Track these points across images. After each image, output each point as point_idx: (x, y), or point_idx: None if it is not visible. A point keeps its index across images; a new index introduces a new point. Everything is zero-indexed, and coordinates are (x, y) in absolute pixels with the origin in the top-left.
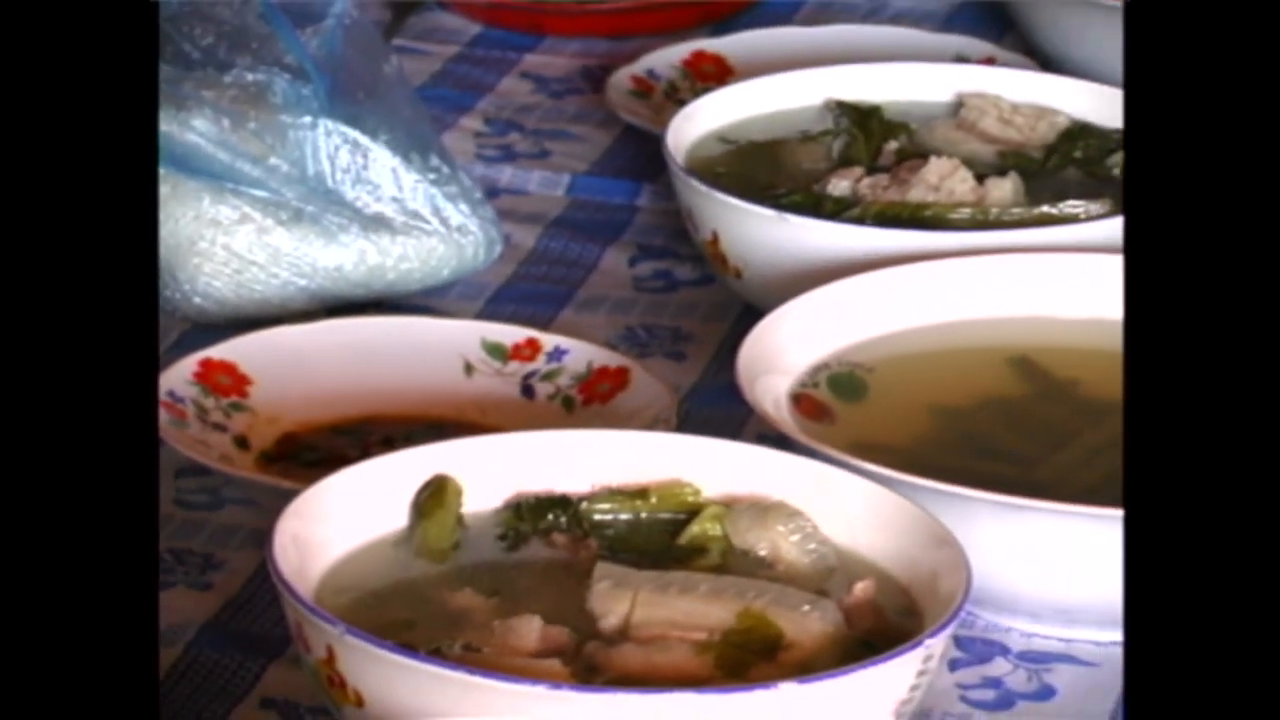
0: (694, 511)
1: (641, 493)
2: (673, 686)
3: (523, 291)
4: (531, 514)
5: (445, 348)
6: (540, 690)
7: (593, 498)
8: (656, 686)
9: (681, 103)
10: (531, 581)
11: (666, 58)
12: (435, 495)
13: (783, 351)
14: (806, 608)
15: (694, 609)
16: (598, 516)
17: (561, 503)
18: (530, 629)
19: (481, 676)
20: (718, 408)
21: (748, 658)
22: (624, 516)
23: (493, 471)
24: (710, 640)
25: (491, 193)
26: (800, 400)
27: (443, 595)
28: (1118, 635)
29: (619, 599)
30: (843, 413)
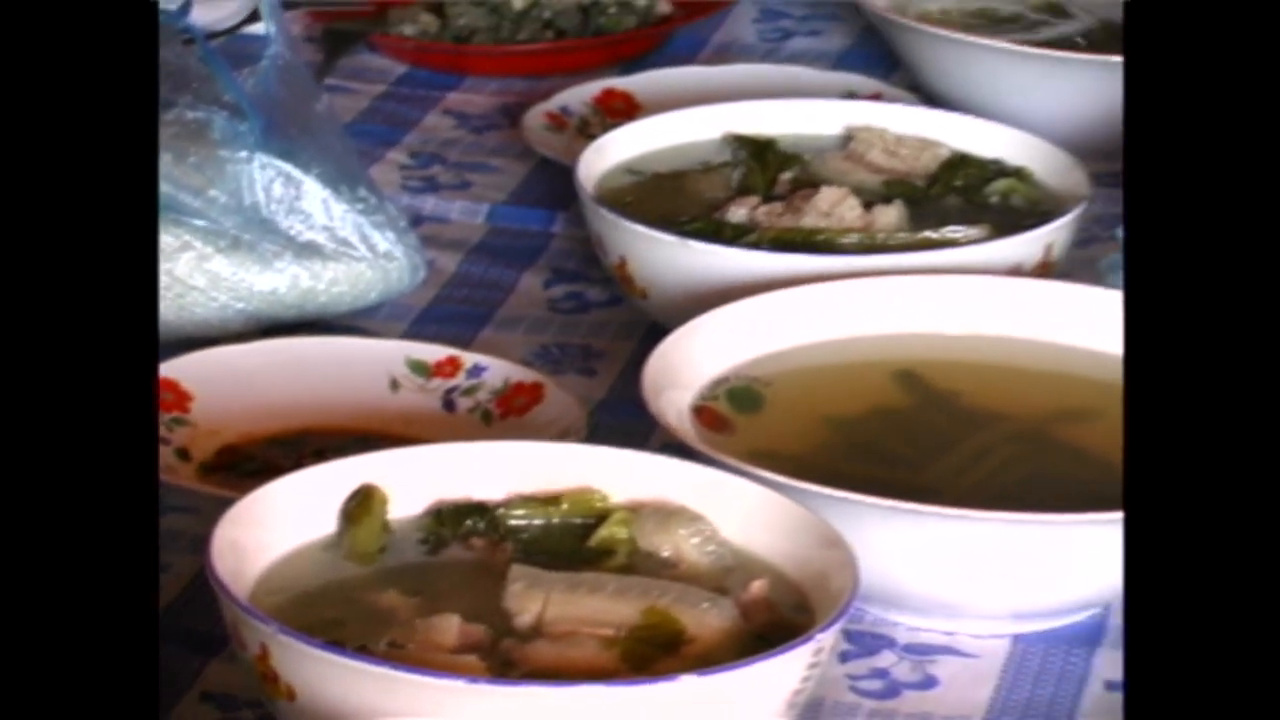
0: (602, 516)
1: (554, 499)
2: (582, 680)
3: (445, 313)
4: (451, 520)
5: (373, 365)
6: (459, 684)
7: (508, 504)
8: (567, 680)
9: (592, 137)
10: (451, 582)
11: (578, 95)
12: (363, 503)
13: (685, 367)
14: (706, 605)
15: (602, 607)
16: (513, 522)
17: (479, 509)
18: (450, 626)
19: (404, 671)
20: (625, 420)
21: (652, 652)
22: (537, 521)
23: (416, 480)
24: (617, 636)
25: (416, 221)
26: (701, 412)
27: (369, 596)
28: (996, 628)
29: (533, 598)
30: (741, 424)
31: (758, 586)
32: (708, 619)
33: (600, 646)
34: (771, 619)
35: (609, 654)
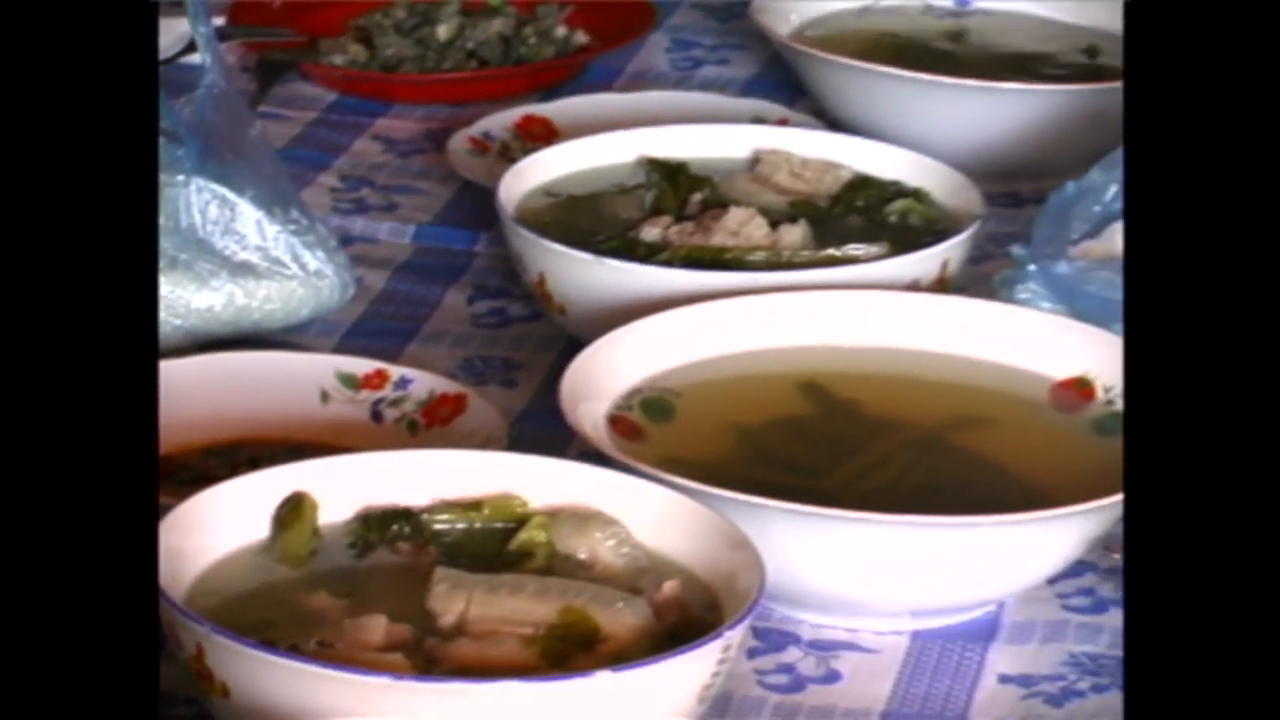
0: (522, 521)
1: (476, 505)
2: (503, 676)
3: (373, 328)
4: (378, 525)
5: (304, 379)
6: (384, 681)
7: (432, 510)
8: (489, 677)
9: (513, 161)
10: (378, 585)
11: (500, 121)
12: (294, 509)
13: (601, 379)
14: (620, 605)
15: (522, 607)
16: (437, 526)
17: (405, 515)
18: (377, 626)
19: (332, 669)
20: (544, 429)
21: (569, 649)
22: (460, 526)
23: (344, 488)
24: (536, 635)
25: (346, 241)
26: (616, 421)
27: (299, 597)
28: (896, 625)
29: (456, 599)
30: (653, 432)
31: (670, 587)
32: (622, 618)
33: (520, 645)
34: (683, 617)
35: (528, 652)
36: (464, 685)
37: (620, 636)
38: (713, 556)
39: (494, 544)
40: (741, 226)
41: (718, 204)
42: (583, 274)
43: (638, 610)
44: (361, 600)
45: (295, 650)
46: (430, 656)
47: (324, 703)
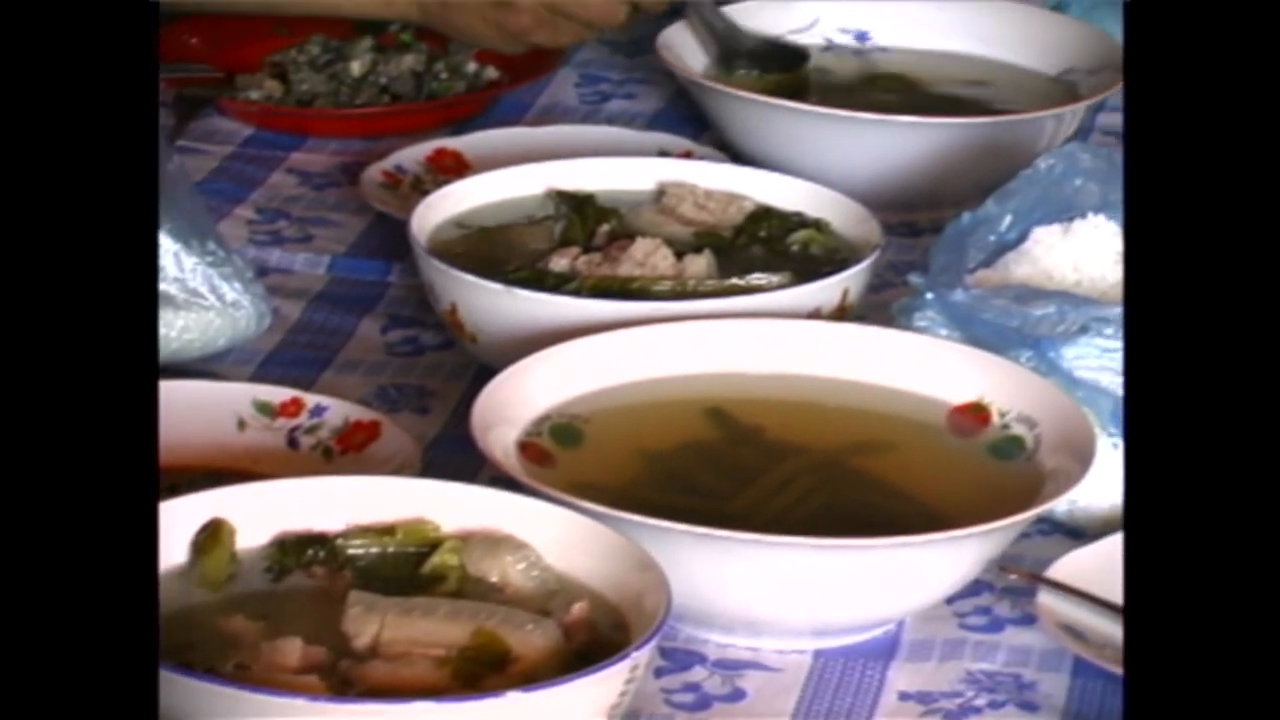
0: (434, 545)
1: (389, 530)
2: (416, 697)
3: (289, 357)
4: (294, 550)
5: (221, 407)
6: (299, 702)
7: (347, 534)
8: (402, 698)
9: (425, 193)
10: (294, 608)
11: (412, 154)
12: (212, 535)
13: (512, 405)
14: (530, 626)
15: (434, 629)
16: (351, 551)
17: (320, 540)
18: (292, 649)
19: (249, 691)
20: (456, 455)
21: (480, 670)
22: (374, 550)
23: (261, 513)
24: (448, 656)
25: (262, 272)
26: (526, 447)
27: (217, 621)
28: (799, 644)
29: (370, 621)
30: (563, 458)
31: (579, 608)
32: (532, 639)
33: (432, 666)
34: (592, 638)
35: (440, 673)
36: (378, 706)
37: (530, 657)
38: (620, 578)
39: (407, 568)
40: (648, 257)
41: (625, 235)
42: (493, 303)
43: (547, 632)
44: (278, 623)
45: (212, 673)
46: (345, 678)
47: None
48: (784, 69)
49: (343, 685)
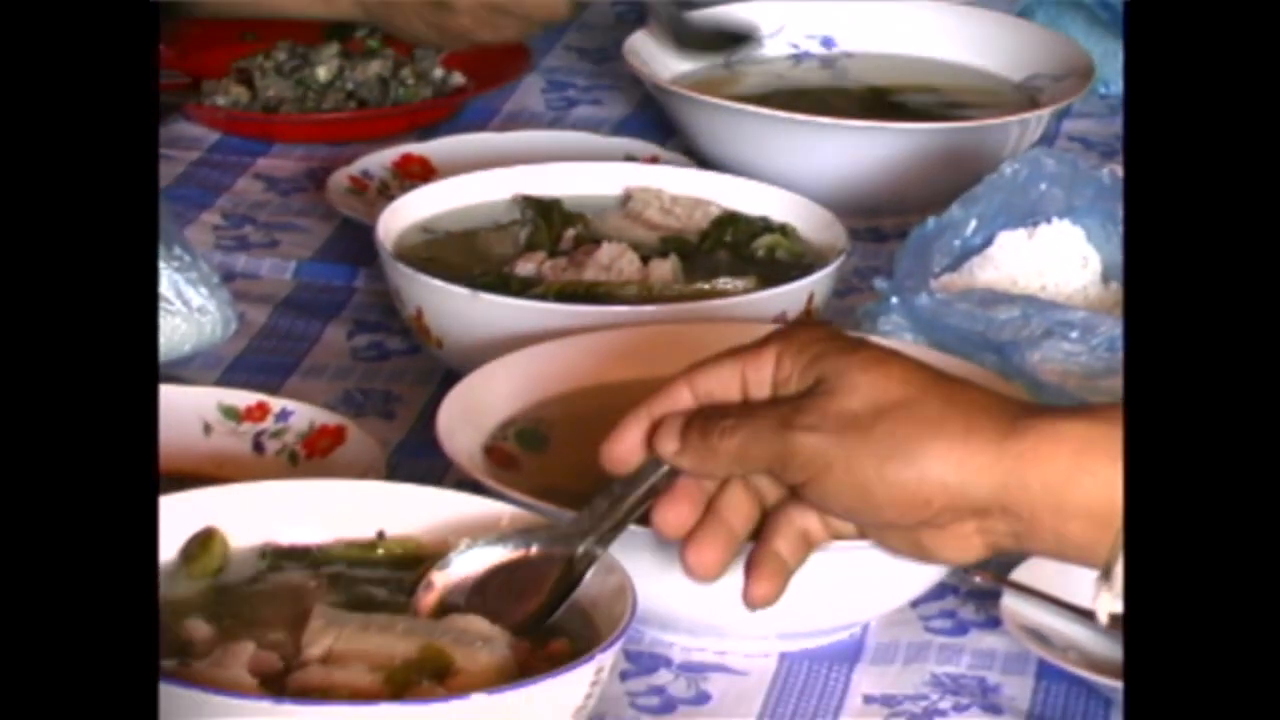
0: (416, 559)
1: (371, 544)
2: (350, 701)
3: (255, 362)
4: (274, 557)
5: (187, 411)
6: (232, 701)
7: (328, 546)
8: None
9: (391, 198)
10: (264, 616)
11: (379, 160)
12: (203, 544)
13: (477, 410)
14: (479, 644)
15: (385, 643)
16: (330, 566)
17: (303, 551)
18: (244, 652)
19: (176, 685)
20: (421, 460)
21: (416, 679)
22: (356, 563)
23: (245, 517)
24: (389, 666)
25: (228, 277)
26: (492, 452)
27: (180, 624)
28: (764, 647)
29: (327, 634)
30: (528, 461)
31: (557, 644)
32: (478, 656)
33: (365, 671)
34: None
35: (372, 678)
36: (329, 709)
37: (471, 671)
38: (585, 582)
39: (390, 582)
40: (614, 261)
41: (590, 240)
42: (459, 308)
43: (495, 650)
44: (238, 629)
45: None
46: (284, 685)
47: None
48: (735, 44)
49: (279, 689)
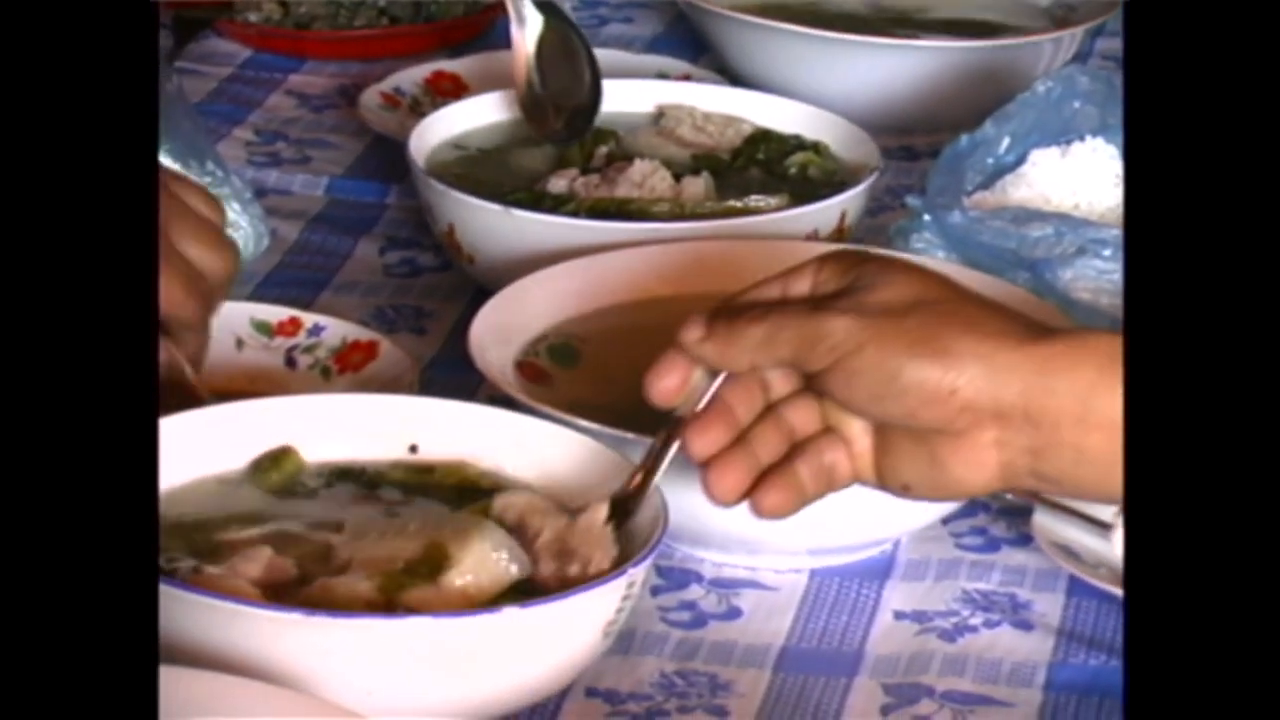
0: (470, 485)
1: (428, 468)
2: (349, 613)
3: (287, 278)
4: (331, 476)
5: (219, 326)
6: (230, 606)
7: (385, 468)
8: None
9: (423, 115)
10: (304, 527)
11: (411, 76)
12: (275, 460)
13: (509, 326)
14: (488, 546)
15: (394, 547)
16: (387, 487)
17: (360, 471)
18: (260, 557)
19: (179, 589)
20: (454, 375)
21: (408, 581)
22: (412, 483)
23: (316, 430)
24: (391, 569)
25: (260, 193)
26: (524, 367)
27: (223, 532)
28: (794, 563)
29: (347, 545)
30: (560, 377)
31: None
32: (478, 548)
33: (364, 578)
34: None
35: (366, 585)
36: (357, 620)
37: (467, 563)
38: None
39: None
40: (646, 179)
41: (623, 157)
42: (491, 224)
43: (515, 556)
44: (278, 537)
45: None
46: (295, 595)
47: (182, 619)
48: None
49: (290, 599)
